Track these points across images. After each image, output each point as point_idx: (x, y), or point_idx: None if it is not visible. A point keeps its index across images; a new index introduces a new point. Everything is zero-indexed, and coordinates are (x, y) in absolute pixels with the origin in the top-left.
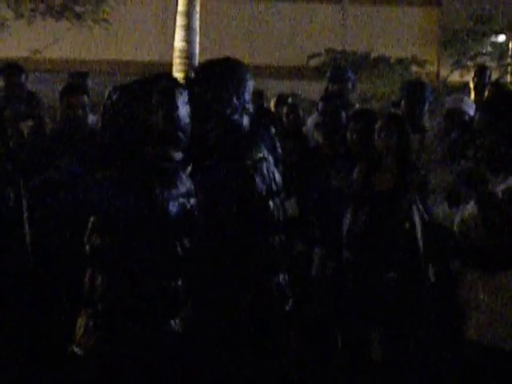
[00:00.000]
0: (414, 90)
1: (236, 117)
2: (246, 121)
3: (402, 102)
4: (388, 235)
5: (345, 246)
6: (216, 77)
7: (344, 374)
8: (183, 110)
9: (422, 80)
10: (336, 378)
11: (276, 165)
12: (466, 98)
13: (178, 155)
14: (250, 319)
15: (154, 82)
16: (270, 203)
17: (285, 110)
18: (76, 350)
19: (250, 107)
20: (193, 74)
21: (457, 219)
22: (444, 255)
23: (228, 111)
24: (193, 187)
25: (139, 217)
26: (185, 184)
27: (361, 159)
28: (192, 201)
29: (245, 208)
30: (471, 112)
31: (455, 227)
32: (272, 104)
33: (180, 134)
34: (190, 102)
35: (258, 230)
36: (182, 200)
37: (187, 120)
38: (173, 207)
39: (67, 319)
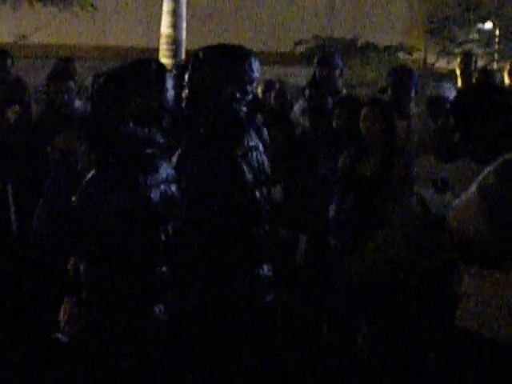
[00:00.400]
0: (401, 77)
1: (233, 105)
2: (243, 109)
3: (389, 88)
4: (373, 221)
5: (330, 232)
6: (217, 63)
7: (330, 362)
8: (167, 94)
9: (408, 66)
10: (322, 367)
11: (263, 152)
12: (446, 84)
13: (161, 139)
14: (234, 308)
15: (138, 66)
16: (257, 194)
17: (272, 95)
18: (60, 337)
19: (248, 96)
20: (189, 60)
21: (450, 212)
22: (439, 246)
23: (225, 98)
24: (174, 173)
25: (122, 204)
26: (166, 170)
27: (347, 145)
28: (174, 187)
29: (232, 198)
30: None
31: (450, 220)
32: (259, 90)
33: (163, 117)
34: (182, 88)
35: (244, 220)
36: (163, 186)
37: (171, 104)
38: (155, 193)
39: (52, 305)
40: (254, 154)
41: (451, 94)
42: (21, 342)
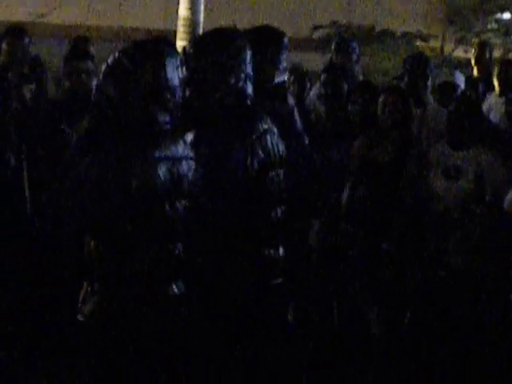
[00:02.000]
0: (417, 65)
1: (242, 86)
2: (249, 90)
3: (405, 76)
4: (387, 208)
5: (343, 218)
6: (224, 46)
7: (341, 347)
8: (173, 73)
9: (424, 54)
10: (333, 352)
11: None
12: (457, 72)
13: (166, 117)
14: (242, 288)
15: (146, 45)
16: (273, 176)
17: (291, 79)
18: (79, 316)
19: (252, 76)
20: (193, 44)
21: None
22: None
23: (234, 81)
24: (187, 152)
25: (130, 180)
26: (176, 147)
27: (362, 132)
28: (185, 165)
29: (247, 180)
30: (462, 85)
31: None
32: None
33: (168, 95)
34: (190, 71)
35: (259, 202)
36: (172, 163)
37: (176, 83)
38: (161, 170)
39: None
40: (269, 136)
41: (461, 82)
42: (40, 320)
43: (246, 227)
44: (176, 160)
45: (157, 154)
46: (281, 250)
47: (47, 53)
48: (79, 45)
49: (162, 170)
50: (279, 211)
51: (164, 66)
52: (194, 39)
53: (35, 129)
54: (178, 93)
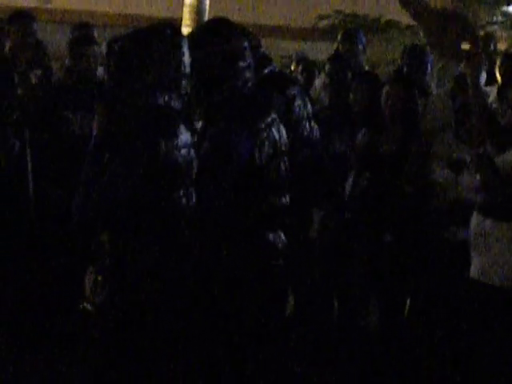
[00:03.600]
0: (414, 55)
1: (248, 73)
2: (252, 79)
3: (404, 67)
4: (389, 198)
5: (346, 208)
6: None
7: (339, 338)
8: (185, 58)
9: (421, 45)
10: (331, 342)
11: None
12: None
13: (179, 104)
14: (242, 271)
15: (154, 31)
16: (278, 164)
17: (299, 68)
18: (86, 306)
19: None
20: (198, 31)
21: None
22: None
23: (241, 68)
24: (192, 139)
25: (144, 169)
26: (186, 134)
27: (365, 122)
28: (192, 152)
29: (253, 168)
30: (482, 80)
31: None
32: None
33: (183, 81)
34: (196, 61)
35: (263, 189)
36: (183, 151)
37: (188, 69)
38: (177, 157)
39: (70, 271)
40: (275, 125)
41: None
42: (44, 312)
43: (249, 213)
44: (189, 147)
45: (172, 142)
46: (281, 235)
47: (50, 38)
48: (81, 30)
49: (179, 157)
50: (283, 198)
51: (181, 52)
52: (199, 27)
53: (39, 115)
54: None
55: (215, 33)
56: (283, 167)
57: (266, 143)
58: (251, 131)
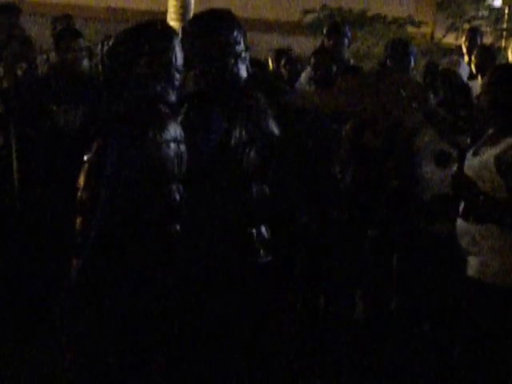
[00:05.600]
0: (397, 49)
1: (234, 67)
2: (243, 71)
3: (387, 61)
4: (374, 193)
5: (331, 203)
6: (214, 27)
7: (327, 333)
8: (178, 53)
9: (404, 39)
10: (318, 337)
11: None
12: (461, 61)
13: (173, 97)
14: (226, 267)
15: (147, 26)
16: (252, 153)
17: (282, 62)
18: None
19: (247, 57)
20: (187, 25)
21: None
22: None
23: (227, 61)
24: (182, 135)
25: (135, 162)
26: (177, 128)
27: (350, 117)
28: (182, 146)
29: (224, 156)
30: (465, 74)
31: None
32: (270, 59)
33: (176, 75)
34: (185, 52)
35: (239, 177)
36: (174, 144)
37: (181, 63)
38: (167, 151)
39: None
40: (253, 112)
41: (465, 71)
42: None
43: (228, 202)
44: (179, 142)
45: (163, 135)
46: (264, 229)
47: (33, 31)
48: (64, 22)
49: (171, 151)
50: (261, 188)
51: (173, 46)
52: (191, 19)
53: (24, 108)
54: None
55: (208, 24)
56: (255, 155)
57: (241, 125)
58: (223, 114)
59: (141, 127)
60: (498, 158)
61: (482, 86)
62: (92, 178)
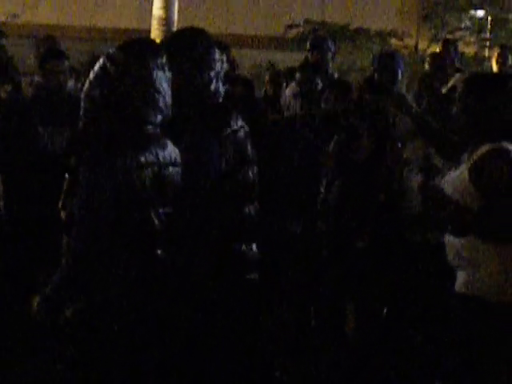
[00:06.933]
0: (385, 61)
1: (215, 83)
2: (221, 88)
3: (375, 74)
4: (361, 205)
5: (319, 216)
6: (188, 47)
7: (317, 345)
8: (161, 74)
9: (391, 50)
10: (309, 348)
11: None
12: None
13: (157, 118)
14: (215, 284)
15: (129, 47)
16: (244, 173)
17: (266, 78)
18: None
19: (222, 75)
20: (166, 42)
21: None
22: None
23: (207, 78)
24: (175, 158)
25: (113, 185)
26: (163, 152)
27: (337, 130)
28: (172, 171)
29: (220, 176)
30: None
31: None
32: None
33: (158, 96)
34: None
35: (232, 198)
36: (157, 169)
37: (164, 83)
38: (147, 175)
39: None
40: (242, 134)
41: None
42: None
43: (219, 223)
44: (163, 165)
45: (143, 159)
46: (253, 247)
47: (19, 53)
48: (48, 44)
49: (147, 176)
50: (251, 208)
51: (148, 67)
52: (166, 37)
53: (9, 129)
54: (169, 93)
55: (184, 42)
56: (250, 175)
57: (231, 150)
58: (216, 138)
59: (113, 151)
60: (471, 167)
61: (457, 95)
62: (68, 198)
